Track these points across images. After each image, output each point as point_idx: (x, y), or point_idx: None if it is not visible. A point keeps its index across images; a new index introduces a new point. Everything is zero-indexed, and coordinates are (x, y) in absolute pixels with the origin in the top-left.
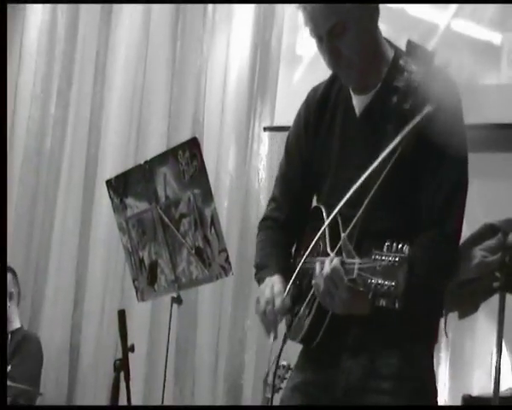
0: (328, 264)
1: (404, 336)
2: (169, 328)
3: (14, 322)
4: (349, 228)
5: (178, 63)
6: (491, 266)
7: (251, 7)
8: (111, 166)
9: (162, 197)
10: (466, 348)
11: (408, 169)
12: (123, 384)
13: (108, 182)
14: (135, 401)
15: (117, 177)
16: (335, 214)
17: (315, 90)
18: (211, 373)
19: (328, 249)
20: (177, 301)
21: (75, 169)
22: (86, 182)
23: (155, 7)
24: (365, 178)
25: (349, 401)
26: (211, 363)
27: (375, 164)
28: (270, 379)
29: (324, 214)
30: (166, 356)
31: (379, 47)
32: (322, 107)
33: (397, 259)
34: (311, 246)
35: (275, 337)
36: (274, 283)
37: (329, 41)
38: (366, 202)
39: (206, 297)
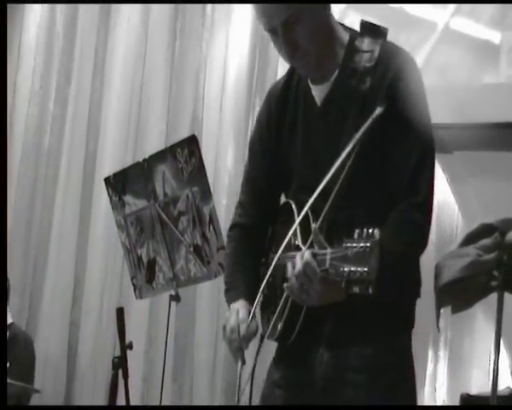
0: (300, 260)
1: (380, 324)
2: (167, 325)
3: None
4: (319, 220)
5: (177, 61)
6: (487, 264)
7: (250, 6)
8: (109, 164)
9: (160, 195)
10: (464, 347)
11: (375, 151)
12: (121, 382)
13: (107, 179)
14: (133, 399)
15: (115, 174)
16: (305, 208)
17: (275, 86)
18: (209, 371)
19: (300, 243)
20: (176, 298)
21: (74, 166)
22: (85, 179)
23: (154, 5)
24: (336, 169)
25: (328, 394)
26: (209, 360)
27: (341, 159)
28: (243, 400)
29: (294, 209)
30: (165, 354)
31: (334, 32)
32: (283, 102)
33: (368, 244)
34: (284, 242)
35: (242, 364)
36: (238, 309)
37: (284, 33)
38: (334, 193)
39: (205, 295)
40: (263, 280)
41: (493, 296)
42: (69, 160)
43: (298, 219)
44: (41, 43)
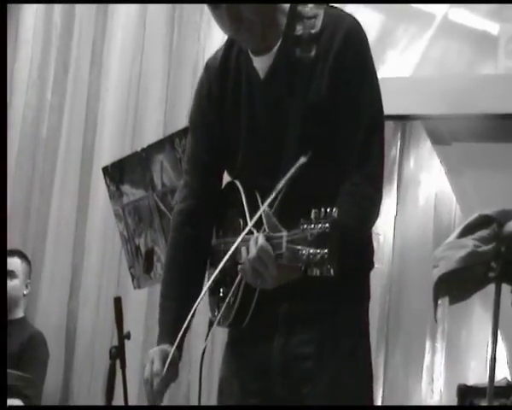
0: (254, 244)
1: (334, 297)
2: None
3: (19, 310)
4: (268, 201)
5: (175, 51)
6: (484, 255)
7: None
8: (107, 154)
9: (158, 185)
10: (462, 338)
11: (323, 126)
12: (119, 372)
13: (105, 169)
14: (131, 389)
15: (113, 164)
16: (252, 188)
17: (213, 58)
18: (207, 359)
19: (250, 227)
20: None
21: (71, 156)
22: (82, 169)
23: None
24: (279, 144)
25: (286, 374)
26: (208, 349)
27: (294, 123)
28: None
29: (241, 189)
30: None
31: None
32: (223, 75)
33: (327, 225)
34: (243, 234)
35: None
36: (154, 358)
37: (228, 7)
38: (289, 175)
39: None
40: (211, 268)
41: (491, 287)
42: (67, 149)
43: (261, 213)
44: (38, 32)
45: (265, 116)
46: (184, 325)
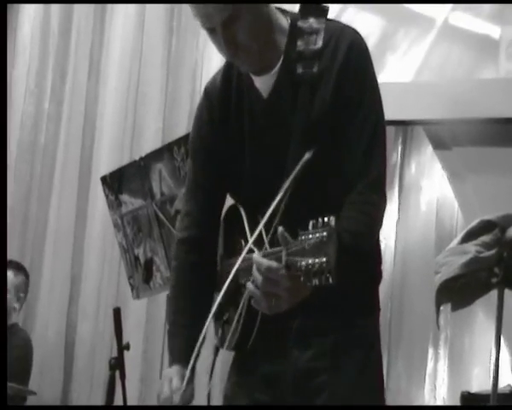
0: (256, 270)
1: (342, 310)
2: (165, 326)
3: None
4: (275, 202)
5: (174, 58)
6: (487, 261)
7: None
8: (106, 163)
9: (157, 194)
10: (464, 345)
11: (327, 139)
12: (118, 383)
13: (103, 178)
14: (130, 400)
15: (112, 173)
16: (253, 210)
17: (212, 82)
18: (208, 371)
19: (251, 246)
20: None
21: (69, 165)
22: (81, 178)
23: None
24: (282, 162)
25: (299, 389)
26: (206, 357)
27: (295, 144)
28: None
29: (243, 213)
30: (162, 355)
31: (273, 22)
32: (224, 98)
33: (324, 233)
34: (241, 256)
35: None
36: (171, 377)
37: (224, 32)
38: (284, 189)
39: None
40: (216, 293)
41: (494, 293)
42: (65, 159)
43: (260, 228)
44: (35, 40)
45: (269, 135)
46: (196, 351)
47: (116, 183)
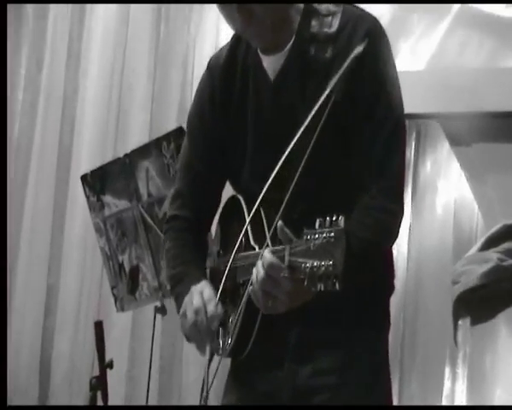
0: (260, 264)
1: (349, 323)
2: (152, 342)
3: None
4: (278, 215)
5: (162, 44)
6: (510, 270)
7: None
8: (86, 160)
9: (144, 195)
10: (486, 363)
11: (338, 134)
12: (100, 405)
13: (84, 177)
14: None
15: (93, 172)
16: (255, 201)
17: (217, 57)
18: (199, 393)
19: (252, 242)
20: (162, 311)
21: (46, 162)
22: (58, 177)
23: None
24: (289, 154)
25: (297, 405)
26: (199, 381)
27: (299, 133)
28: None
29: (243, 204)
30: (149, 373)
31: None
32: (228, 75)
33: (332, 234)
34: (235, 248)
35: (212, 353)
36: (202, 289)
37: (240, 4)
38: (294, 182)
39: None
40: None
41: None
42: (41, 155)
43: (258, 214)
44: (9, 25)
45: (274, 121)
46: (228, 266)
47: (98, 182)
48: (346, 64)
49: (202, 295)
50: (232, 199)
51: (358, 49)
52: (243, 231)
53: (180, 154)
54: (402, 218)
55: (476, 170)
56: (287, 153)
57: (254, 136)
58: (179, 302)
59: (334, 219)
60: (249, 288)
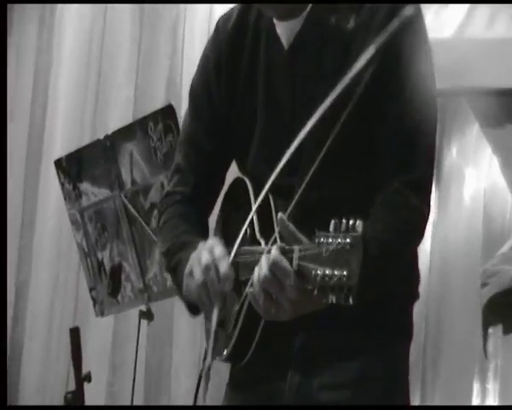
0: (265, 260)
1: (365, 333)
2: (136, 350)
3: None
4: (290, 206)
5: (149, 11)
6: None
7: None
8: (61, 141)
9: (127, 182)
10: None
11: (359, 114)
12: None
13: (58, 162)
14: None
15: (69, 155)
16: (264, 188)
17: (225, 19)
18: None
19: (258, 235)
20: (147, 316)
21: (14, 144)
22: (28, 161)
23: None
24: (307, 132)
25: None
26: (190, 392)
27: (317, 117)
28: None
29: (250, 189)
30: (133, 387)
31: None
32: (237, 41)
33: (348, 240)
34: (238, 239)
35: (221, 309)
36: (213, 245)
37: None
38: (316, 165)
39: (185, 311)
40: None
41: None
42: (9, 136)
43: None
44: None
45: (288, 95)
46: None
47: (74, 168)
48: (394, 24)
49: (213, 251)
50: (238, 181)
51: (409, 11)
52: (247, 221)
53: (182, 123)
54: (428, 215)
55: (510, 155)
56: (303, 135)
57: (264, 111)
58: (180, 269)
59: (351, 222)
60: (248, 289)
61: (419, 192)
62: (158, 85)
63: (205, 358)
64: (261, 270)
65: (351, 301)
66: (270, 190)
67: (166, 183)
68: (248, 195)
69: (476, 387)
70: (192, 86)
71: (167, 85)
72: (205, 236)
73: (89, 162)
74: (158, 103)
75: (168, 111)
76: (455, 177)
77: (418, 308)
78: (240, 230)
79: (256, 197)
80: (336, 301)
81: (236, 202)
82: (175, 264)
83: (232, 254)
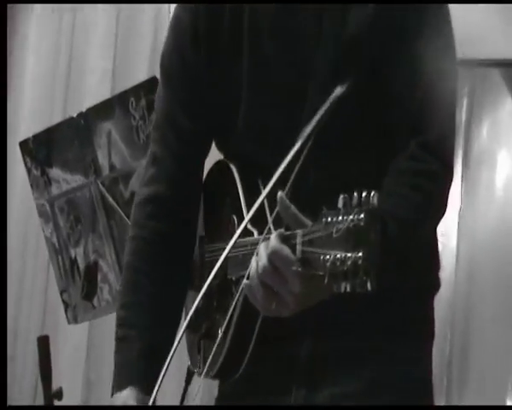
0: (264, 249)
1: (381, 331)
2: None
3: None
4: (287, 186)
5: None
6: None
7: None
8: (27, 120)
9: (105, 168)
10: None
11: (366, 70)
12: None
13: (24, 144)
14: None
15: (36, 136)
16: (252, 171)
17: None
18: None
19: (249, 225)
20: None
21: None
22: None
23: None
24: (299, 99)
25: None
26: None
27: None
28: None
29: (235, 174)
30: None
31: None
32: (216, 5)
33: (361, 216)
34: (236, 235)
35: (191, 373)
36: (126, 403)
37: None
38: (311, 142)
39: None
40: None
41: None
42: None
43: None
44: None
45: (279, 56)
46: (164, 368)
47: (43, 150)
48: (324, 106)
49: None
50: (219, 166)
51: (339, 91)
52: (248, 215)
53: (156, 103)
54: (450, 184)
55: None
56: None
57: (251, 83)
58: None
59: (364, 195)
60: (244, 282)
61: (439, 155)
62: (140, 56)
63: (189, 380)
64: (260, 260)
65: (369, 286)
66: (258, 172)
67: (140, 181)
68: (233, 180)
69: (510, 402)
70: (163, 54)
71: (151, 55)
72: (175, 299)
73: (60, 144)
74: (140, 76)
75: (152, 84)
76: (485, 161)
77: (442, 313)
78: (224, 221)
79: (243, 183)
80: (351, 290)
81: (219, 189)
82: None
83: (226, 252)
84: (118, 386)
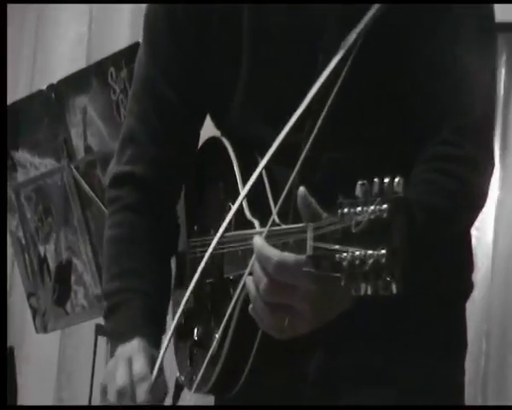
0: (257, 261)
1: (406, 344)
2: (92, 375)
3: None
4: (293, 173)
5: None
6: None
7: None
8: None
9: (80, 149)
10: None
11: (389, 42)
12: None
13: None
14: None
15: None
16: (250, 150)
17: None
18: None
19: (248, 215)
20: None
21: None
22: None
23: None
24: (308, 70)
25: None
26: None
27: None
28: None
29: (231, 153)
30: None
31: None
32: None
33: (384, 206)
34: (226, 222)
35: (181, 387)
36: (131, 356)
37: None
38: (320, 120)
39: None
40: (178, 289)
41: None
42: None
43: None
44: None
45: (284, 36)
46: (174, 322)
47: (8, 130)
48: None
49: (131, 367)
50: (212, 143)
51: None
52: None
53: (136, 70)
54: (491, 174)
55: None
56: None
57: (252, 51)
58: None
59: (386, 181)
60: (249, 307)
61: (477, 140)
62: (121, 19)
63: (177, 395)
64: (257, 277)
65: (394, 289)
66: (258, 151)
67: (114, 160)
68: (229, 160)
69: None
70: (147, 16)
71: (132, 18)
72: (163, 259)
73: (27, 122)
74: (121, 42)
75: (135, 52)
76: None
77: (477, 323)
78: (218, 208)
79: (240, 163)
80: (373, 293)
81: (212, 171)
82: (108, 336)
83: (209, 250)
84: (120, 339)
